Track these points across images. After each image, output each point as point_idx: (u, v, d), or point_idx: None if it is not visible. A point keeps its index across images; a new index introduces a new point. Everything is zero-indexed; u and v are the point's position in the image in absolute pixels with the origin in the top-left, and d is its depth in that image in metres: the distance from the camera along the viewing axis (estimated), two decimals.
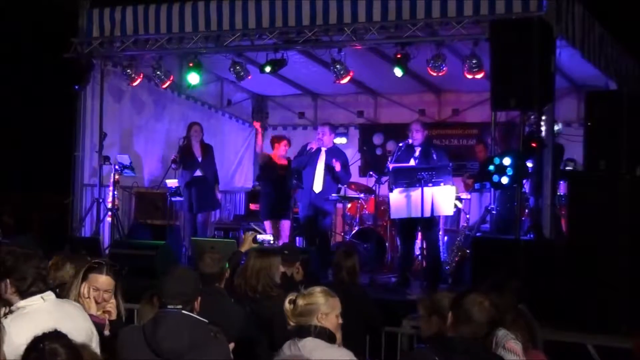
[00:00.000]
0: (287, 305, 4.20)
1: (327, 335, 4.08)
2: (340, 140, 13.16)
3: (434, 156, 9.08)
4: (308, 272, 7.25)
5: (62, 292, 4.34)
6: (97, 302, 4.22)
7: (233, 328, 4.86)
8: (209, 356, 3.86)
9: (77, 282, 4.24)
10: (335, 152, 10.08)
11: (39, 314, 3.70)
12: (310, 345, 4.03)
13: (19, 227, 11.95)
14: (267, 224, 10.61)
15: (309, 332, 4.07)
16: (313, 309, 4.13)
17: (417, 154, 9.17)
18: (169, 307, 3.92)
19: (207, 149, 10.80)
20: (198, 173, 10.63)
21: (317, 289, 4.25)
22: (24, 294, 3.76)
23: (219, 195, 11.20)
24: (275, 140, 11.02)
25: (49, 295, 3.82)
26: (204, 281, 5.04)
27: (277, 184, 10.61)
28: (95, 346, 3.76)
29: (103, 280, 4.26)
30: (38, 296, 3.77)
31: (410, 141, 9.30)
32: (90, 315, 4.13)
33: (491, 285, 4.90)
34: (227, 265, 5.84)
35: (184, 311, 3.93)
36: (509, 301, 4.85)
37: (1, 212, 12.45)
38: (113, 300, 4.31)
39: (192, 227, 10.70)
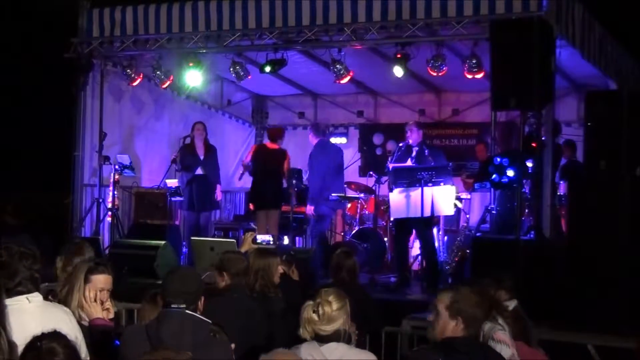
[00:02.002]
0: (310, 314, 4.07)
1: (348, 339, 4.04)
2: (340, 140, 13.19)
3: (428, 156, 9.05)
4: (307, 272, 7.26)
5: (54, 297, 4.27)
6: (101, 302, 4.20)
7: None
8: (212, 356, 3.86)
9: (80, 286, 4.18)
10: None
11: (22, 314, 3.62)
12: (337, 349, 3.96)
13: (18, 227, 11.94)
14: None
15: (339, 337, 3.99)
16: (338, 314, 4.06)
17: (414, 154, 9.16)
18: (173, 306, 3.93)
19: (210, 149, 10.80)
20: (199, 171, 10.64)
21: (334, 293, 4.16)
22: (10, 292, 3.67)
23: (219, 196, 11.16)
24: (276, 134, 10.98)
25: (36, 297, 3.74)
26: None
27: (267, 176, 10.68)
28: (84, 352, 3.66)
29: (106, 279, 4.25)
30: (24, 296, 3.69)
31: (410, 141, 9.30)
32: (97, 319, 4.09)
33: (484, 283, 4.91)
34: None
35: (187, 311, 3.94)
36: (494, 294, 4.86)
37: (3, 211, 12.45)
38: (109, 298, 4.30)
39: (190, 226, 10.69)
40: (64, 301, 4.12)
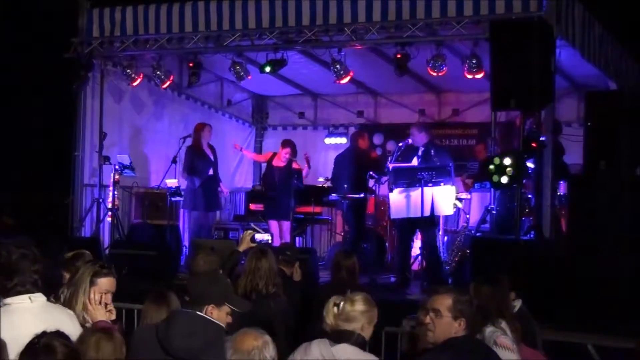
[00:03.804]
0: (330, 307, 4.14)
1: (363, 345, 4.06)
2: (340, 140, 13.19)
3: (434, 156, 9.06)
4: (307, 272, 7.26)
5: (56, 300, 4.22)
6: (105, 304, 4.19)
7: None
8: (222, 356, 3.86)
9: (85, 289, 4.16)
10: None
11: (23, 313, 3.64)
12: (345, 351, 3.98)
13: (18, 227, 11.92)
14: (272, 224, 10.64)
15: (349, 339, 4.02)
16: (358, 316, 4.09)
17: (420, 152, 9.15)
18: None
19: (214, 150, 10.98)
20: (210, 172, 10.78)
21: (363, 296, 4.20)
22: (9, 292, 3.70)
23: (227, 194, 11.41)
24: (281, 144, 11.00)
25: (38, 297, 3.75)
26: None
27: (276, 187, 10.67)
28: None
29: (111, 281, 4.25)
30: (25, 296, 3.70)
31: (410, 141, 9.30)
32: (100, 322, 4.08)
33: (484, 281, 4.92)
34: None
35: (197, 312, 3.94)
36: (498, 294, 4.86)
37: (1, 212, 12.43)
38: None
39: (202, 225, 10.74)
40: (68, 304, 4.11)
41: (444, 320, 3.99)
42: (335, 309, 4.11)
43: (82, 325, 3.95)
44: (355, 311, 4.10)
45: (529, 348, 4.82)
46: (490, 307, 4.58)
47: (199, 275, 4.27)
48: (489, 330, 4.40)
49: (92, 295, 4.13)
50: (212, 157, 10.84)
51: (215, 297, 4.07)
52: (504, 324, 4.52)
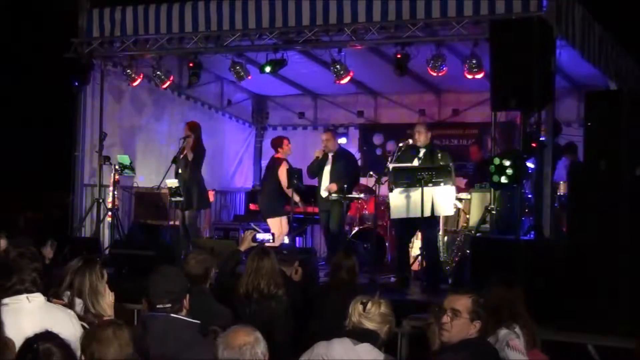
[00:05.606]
0: (358, 305, 4.19)
1: (380, 347, 4.10)
2: (340, 141, 13.16)
3: (439, 157, 9.02)
4: (307, 272, 7.25)
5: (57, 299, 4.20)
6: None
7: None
8: (198, 356, 3.84)
9: (97, 285, 4.18)
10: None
11: (21, 313, 3.64)
12: (369, 351, 4.01)
13: (29, 227, 11.94)
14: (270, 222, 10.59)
15: (374, 340, 4.06)
16: (381, 318, 4.16)
17: (421, 154, 9.10)
18: (158, 306, 3.95)
19: (196, 150, 10.47)
20: (179, 170, 10.49)
21: (387, 301, 4.26)
22: (8, 291, 3.71)
23: (211, 196, 11.07)
24: (279, 141, 10.92)
25: (36, 297, 3.75)
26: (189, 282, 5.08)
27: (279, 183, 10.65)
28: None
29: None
30: (23, 295, 3.71)
31: (410, 141, 9.28)
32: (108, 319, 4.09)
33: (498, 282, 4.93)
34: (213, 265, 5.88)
35: (172, 314, 3.94)
36: (512, 297, 4.88)
37: (23, 209, 12.46)
38: None
39: (183, 225, 10.63)
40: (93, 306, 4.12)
41: (461, 321, 4.02)
42: (362, 307, 4.16)
43: (90, 323, 3.95)
44: (381, 313, 4.15)
45: (530, 349, 4.82)
46: (503, 309, 4.60)
47: (166, 275, 4.26)
48: (503, 332, 4.42)
49: (107, 290, 4.19)
50: (181, 155, 10.35)
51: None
52: (517, 329, 4.54)
